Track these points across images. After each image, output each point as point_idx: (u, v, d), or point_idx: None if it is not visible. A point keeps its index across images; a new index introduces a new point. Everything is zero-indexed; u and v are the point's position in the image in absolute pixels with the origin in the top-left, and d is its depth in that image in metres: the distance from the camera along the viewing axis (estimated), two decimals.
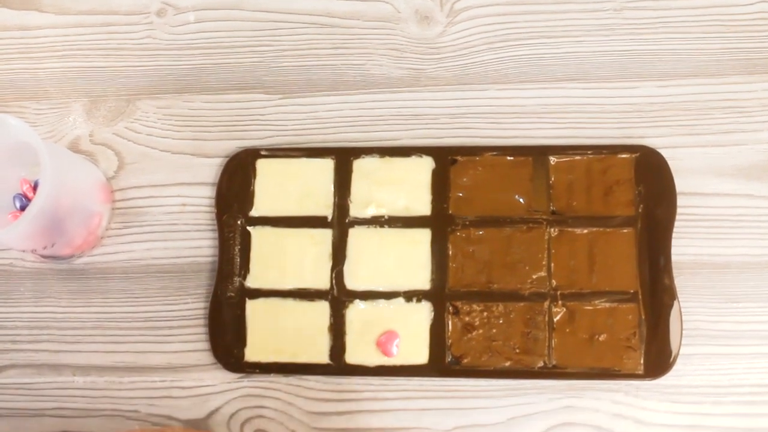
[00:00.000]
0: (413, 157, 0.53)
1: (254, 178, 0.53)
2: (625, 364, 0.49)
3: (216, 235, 0.53)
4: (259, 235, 0.53)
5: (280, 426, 0.51)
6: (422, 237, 0.52)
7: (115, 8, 0.58)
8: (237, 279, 0.52)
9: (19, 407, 0.53)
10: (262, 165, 0.54)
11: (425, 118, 0.54)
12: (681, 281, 0.50)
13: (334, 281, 0.52)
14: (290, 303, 0.52)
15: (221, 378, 0.52)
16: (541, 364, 0.50)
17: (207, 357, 0.52)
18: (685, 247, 0.51)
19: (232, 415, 0.52)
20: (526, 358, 0.50)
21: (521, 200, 0.52)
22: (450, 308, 0.51)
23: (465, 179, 0.52)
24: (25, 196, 0.52)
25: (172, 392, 0.52)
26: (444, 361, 0.50)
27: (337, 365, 0.51)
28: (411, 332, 0.51)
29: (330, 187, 0.53)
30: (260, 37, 0.57)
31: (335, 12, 0.57)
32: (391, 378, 0.51)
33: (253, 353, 0.51)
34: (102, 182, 0.54)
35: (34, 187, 0.53)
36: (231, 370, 0.52)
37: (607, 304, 0.50)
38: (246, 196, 0.53)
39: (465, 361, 0.50)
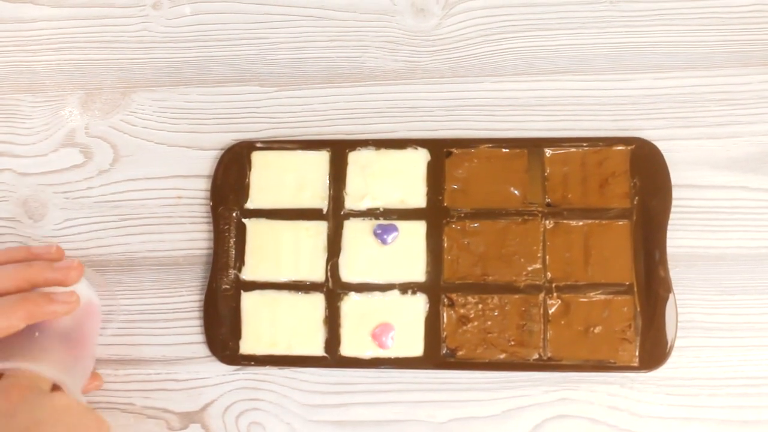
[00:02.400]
0: (408, 149, 0.53)
1: (249, 170, 0.53)
2: (620, 356, 0.49)
3: (211, 227, 0.53)
4: (254, 227, 0.53)
5: (275, 418, 0.51)
6: (417, 229, 0.52)
7: (110, 0, 0.58)
8: (232, 271, 0.52)
9: None
10: (258, 157, 0.54)
11: (421, 110, 0.54)
12: (676, 273, 0.50)
13: (329, 273, 0.52)
14: (285, 295, 0.52)
15: (216, 370, 0.52)
16: (536, 356, 0.50)
17: (202, 349, 0.52)
18: (680, 239, 0.51)
19: (227, 408, 0.52)
20: (521, 351, 0.50)
21: (516, 192, 0.52)
22: (445, 300, 0.51)
23: (460, 171, 0.52)
24: None
25: (167, 385, 0.52)
26: (439, 354, 0.50)
27: (332, 357, 0.51)
28: (406, 324, 0.51)
29: (325, 180, 0.53)
30: (256, 29, 0.57)
31: (331, 4, 0.56)
32: (386, 370, 0.51)
33: (248, 346, 0.51)
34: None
35: None
36: (226, 363, 0.52)
37: (603, 297, 0.50)
38: (241, 189, 0.53)
39: (460, 353, 0.50)
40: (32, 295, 0.44)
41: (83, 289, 0.49)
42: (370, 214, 0.52)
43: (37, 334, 0.45)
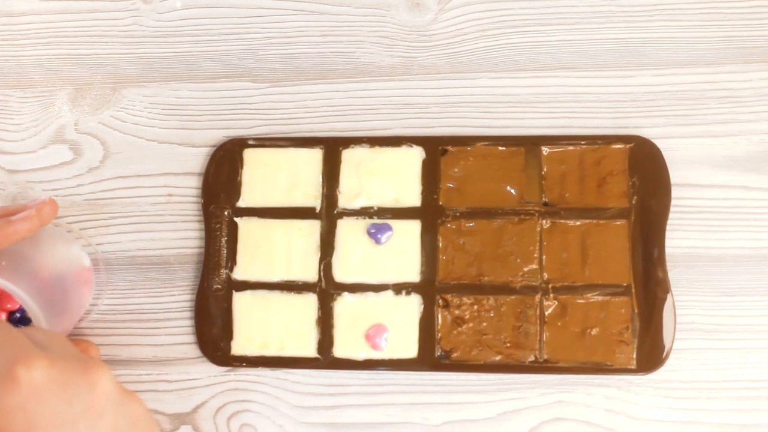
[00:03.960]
0: (403, 147, 0.52)
1: (241, 168, 0.53)
2: (617, 358, 0.49)
3: (203, 226, 0.52)
4: (246, 226, 0.52)
5: (267, 420, 0.51)
6: (412, 229, 0.51)
7: None
8: (224, 271, 0.52)
9: None
10: (250, 155, 0.53)
11: (416, 107, 0.53)
12: (675, 274, 0.50)
13: (322, 273, 0.51)
14: (278, 295, 0.51)
15: (207, 371, 0.51)
16: (532, 358, 0.49)
17: (193, 350, 0.52)
18: (679, 239, 0.50)
19: (218, 409, 0.51)
20: (517, 353, 0.49)
21: (513, 191, 0.51)
22: (440, 301, 0.50)
23: (456, 170, 0.51)
24: None
25: (157, 386, 0.52)
26: (433, 355, 0.50)
27: (325, 359, 0.50)
28: (400, 326, 0.50)
29: (318, 178, 0.52)
30: (248, 24, 0.56)
31: None
32: (380, 372, 0.50)
33: (239, 346, 0.51)
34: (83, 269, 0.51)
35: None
36: (217, 364, 0.51)
37: (600, 298, 0.49)
38: (233, 187, 0.52)
39: (455, 355, 0.49)
40: None
41: (76, 250, 0.49)
42: (364, 213, 0.51)
43: (3, 263, 0.44)
